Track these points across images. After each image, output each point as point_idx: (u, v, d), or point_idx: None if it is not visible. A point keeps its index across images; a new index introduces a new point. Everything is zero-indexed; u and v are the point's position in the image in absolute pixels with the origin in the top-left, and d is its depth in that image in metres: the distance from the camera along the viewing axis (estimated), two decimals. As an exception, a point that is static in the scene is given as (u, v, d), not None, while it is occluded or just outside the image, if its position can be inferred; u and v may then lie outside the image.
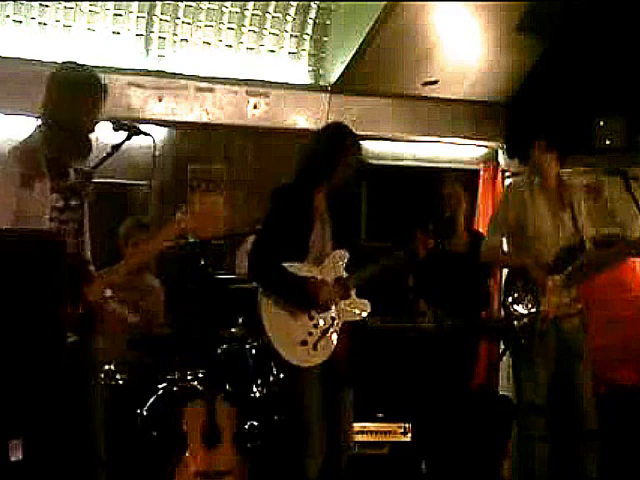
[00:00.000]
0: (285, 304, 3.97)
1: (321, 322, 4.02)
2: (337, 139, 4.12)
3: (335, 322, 4.05)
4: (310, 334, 3.99)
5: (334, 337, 4.04)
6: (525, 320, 4.52)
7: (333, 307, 4.05)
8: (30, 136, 3.46)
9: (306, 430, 3.96)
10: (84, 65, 3.55)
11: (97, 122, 3.44)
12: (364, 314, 4.14)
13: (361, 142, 4.17)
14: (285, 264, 3.94)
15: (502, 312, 4.76)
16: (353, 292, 4.11)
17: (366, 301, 4.13)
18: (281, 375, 4.83)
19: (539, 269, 4.52)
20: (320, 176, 4.04)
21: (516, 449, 4.75)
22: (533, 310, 4.51)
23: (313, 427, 3.96)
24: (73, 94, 3.41)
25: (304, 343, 3.97)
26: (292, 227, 3.97)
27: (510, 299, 4.59)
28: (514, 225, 4.64)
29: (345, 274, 4.07)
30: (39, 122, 3.46)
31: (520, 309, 4.55)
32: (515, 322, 4.55)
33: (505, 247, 4.77)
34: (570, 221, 4.63)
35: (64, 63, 3.56)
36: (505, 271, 4.82)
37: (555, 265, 4.56)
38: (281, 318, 3.97)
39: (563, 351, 4.60)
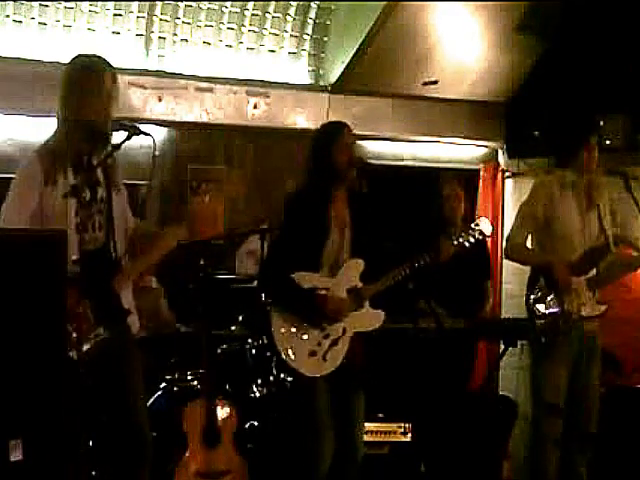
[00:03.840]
0: (294, 316, 3.96)
1: (331, 333, 3.99)
2: (324, 126, 4.14)
3: (346, 332, 4.01)
4: (319, 345, 3.96)
5: (344, 347, 4.00)
6: (547, 319, 4.51)
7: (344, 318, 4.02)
8: (52, 135, 3.48)
9: (316, 432, 3.95)
10: (93, 55, 3.55)
11: (110, 111, 3.45)
12: (376, 326, 4.09)
13: (357, 139, 4.14)
14: (296, 274, 3.91)
15: (502, 311, 4.76)
16: (367, 303, 4.08)
17: (380, 312, 4.09)
18: (282, 375, 4.85)
19: (565, 270, 4.50)
20: (325, 166, 4.00)
21: (529, 451, 4.73)
22: (556, 309, 4.49)
23: (323, 429, 3.95)
24: (78, 86, 3.43)
25: (313, 354, 3.95)
26: (304, 235, 3.92)
27: (533, 297, 4.57)
28: (541, 222, 4.61)
29: (360, 283, 4.04)
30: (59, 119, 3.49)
31: (543, 308, 4.53)
32: (537, 321, 4.53)
33: (529, 244, 4.75)
34: (596, 222, 4.61)
35: (74, 57, 3.56)
36: (527, 268, 4.79)
37: (579, 266, 4.55)
38: (291, 330, 3.96)
39: (582, 353, 4.59)
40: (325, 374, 3.96)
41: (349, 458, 4.06)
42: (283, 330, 3.95)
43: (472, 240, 4.22)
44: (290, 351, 3.94)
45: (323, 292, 3.95)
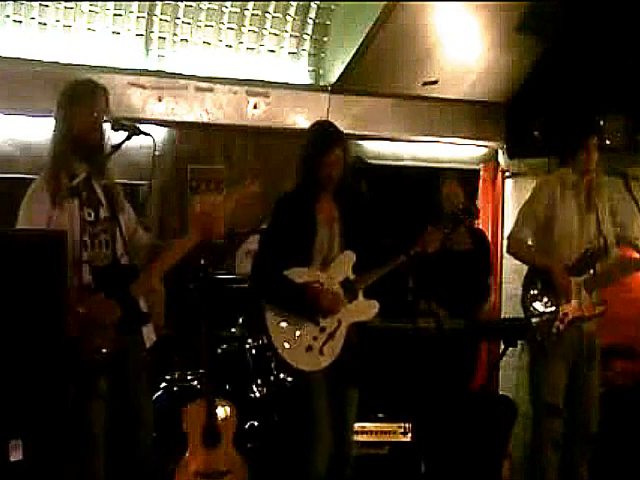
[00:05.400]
0: (289, 312, 3.98)
1: (327, 326, 4.02)
2: (317, 133, 4.11)
3: (342, 324, 4.04)
4: (315, 339, 4.00)
5: (340, 339, 4.03)
6: (543, 318, 4.51)
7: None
8: (52, 155, 3.52)
9: (315, 429, 3.98)
10: (85, 79, 3.61)
11: (98, 129, 3.47)
12: (371, 315, 4.14)
13: (346, 138, 4.13)
14: (287, 271, 3.94)
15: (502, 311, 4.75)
16: (360, 293, 4.10)
17: (374, 302, 4.13)
18: (281, 375, 4.86)
19: (563, 273, 4.50)
20: (312, 176, 4.03)
21: (530, 452, 4.73)
22: (552, 309, 4.49)
23: (322, 426, 3.98)
24: (67, 106, 3.48)
25: (310, 348, 3.99)
26: (293, 234, 3.96)
27: (529, 296, 4.57)
28: (542, 221, 4.62)
29: (352, 275, 4.07)
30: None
31: (539, 307, 4.53)
32: (533, 319, 4.53)
33: (530, 242, 4.75)
34: (595, 223, 4.61)
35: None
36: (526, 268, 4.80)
37: (577, 267, 4.55)
38: (286, 326, 3.98)
39: (580, 353, 4.59)
40: (323, 368, 3.98)
41: (340, 455, 4.08)
42: (278, 327, 3.98)
43: (459, 224, 4.30)
44: (287, 348, 3.97)
45: (316, 286, 3.98)
